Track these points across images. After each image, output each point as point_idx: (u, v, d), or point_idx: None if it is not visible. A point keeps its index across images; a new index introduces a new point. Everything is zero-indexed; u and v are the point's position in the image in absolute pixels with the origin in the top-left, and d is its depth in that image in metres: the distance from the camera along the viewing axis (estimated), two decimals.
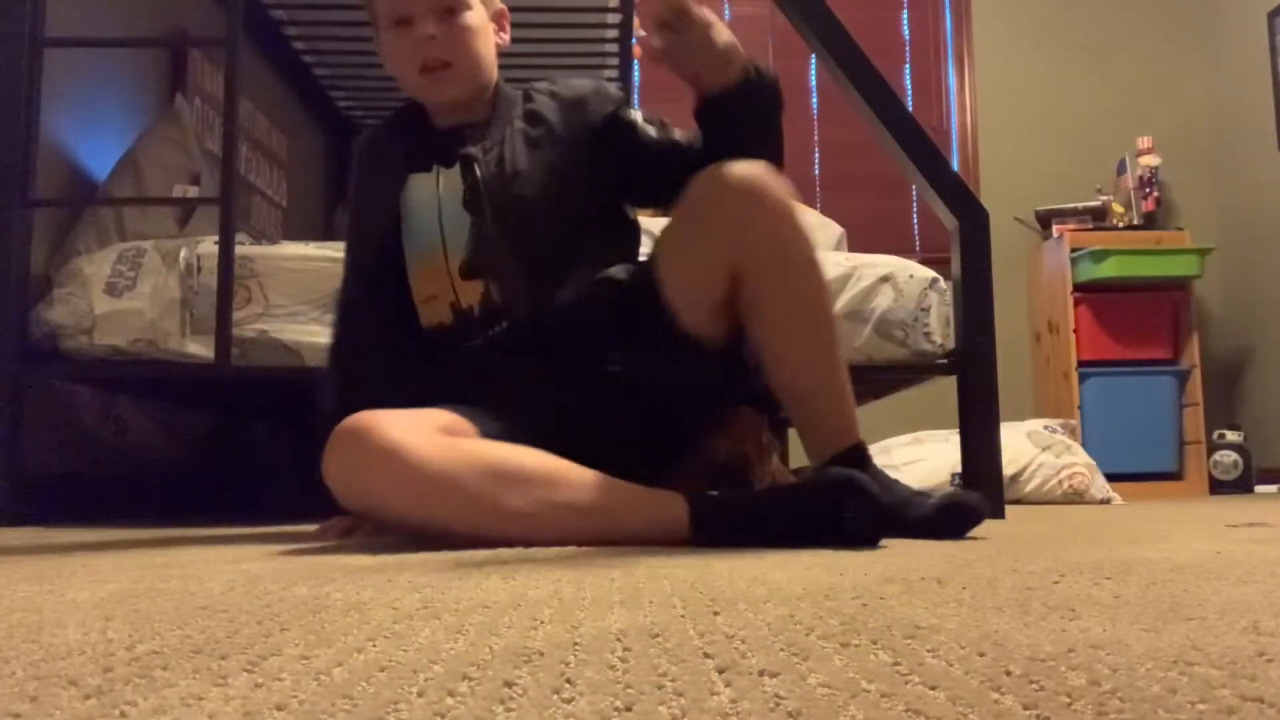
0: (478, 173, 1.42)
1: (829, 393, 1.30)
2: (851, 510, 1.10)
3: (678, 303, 1.31)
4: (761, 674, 0.44)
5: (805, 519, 1.13)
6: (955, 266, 2.10)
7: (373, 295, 1.51)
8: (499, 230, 1.40)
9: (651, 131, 1.46)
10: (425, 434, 1.15)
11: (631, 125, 1.46)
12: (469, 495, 1.12)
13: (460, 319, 1.43)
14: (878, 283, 2.13)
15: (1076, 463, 3.37)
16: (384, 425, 1.14)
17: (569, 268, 1.41)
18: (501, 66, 1.53)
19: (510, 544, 1.12)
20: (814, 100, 4.69)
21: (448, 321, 1.44)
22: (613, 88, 1.53)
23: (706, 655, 0.48)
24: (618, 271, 1.41)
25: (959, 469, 2.83)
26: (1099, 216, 4.32)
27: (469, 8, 1.43)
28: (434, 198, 1.44)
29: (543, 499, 1.14)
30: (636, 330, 1.36)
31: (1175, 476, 4.10)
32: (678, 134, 1.46)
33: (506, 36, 1.52)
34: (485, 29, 1.47)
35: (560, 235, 1.43)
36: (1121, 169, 4.43)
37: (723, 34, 1.28)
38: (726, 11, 4.66)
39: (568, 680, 0.43)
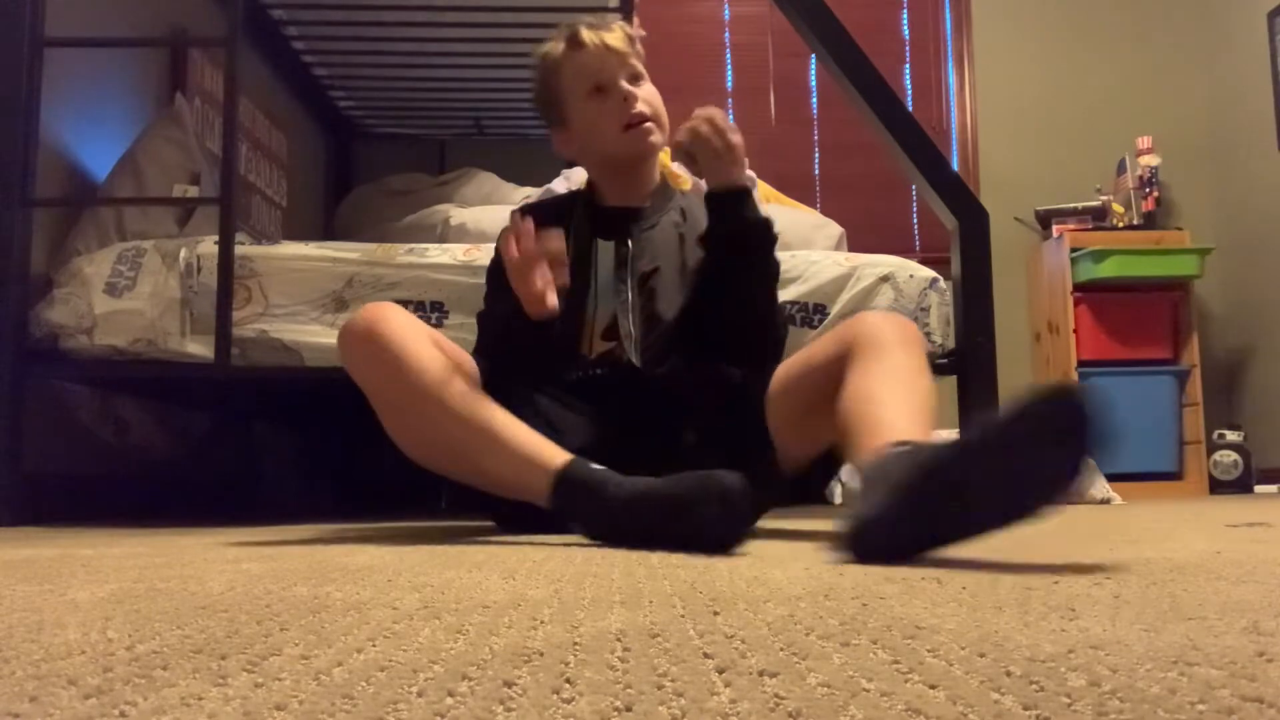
0: (630, 249, 1.60)
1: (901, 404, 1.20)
2: (708, 513, 1.08)
3: (776, 415, 1.45)
4: (761, 674, 0.44)
5: (661, 521, 1.12)
6: (955, 266, 2.10)
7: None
8: (639, 304, 1.58)
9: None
10: (424, 342, 1.34)
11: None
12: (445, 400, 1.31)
13: (580, 359, 1.58)
14: (878, 283, 2.13)
15: None
16: (390, 321, 1.33)
17: (690, 344, 1.56)
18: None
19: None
20: (814, 100, 4.69)
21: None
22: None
23: (706, 655, 0.48)
24: (734, 374, 1.55)
25: None
26: (1099, 216, 4.32)
27: (646, 79, 1.63)
28: (592, 267, 1.60)
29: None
30: (725, 421, 1.50)
31: (1175, 476, 4.09)
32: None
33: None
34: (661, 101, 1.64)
35: (682, 315, 1.58)
36: (1121, 169, 4.42)
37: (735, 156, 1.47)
38: (726, 11, 4.66)
39: (568, 680, 0.43)
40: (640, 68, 1.62)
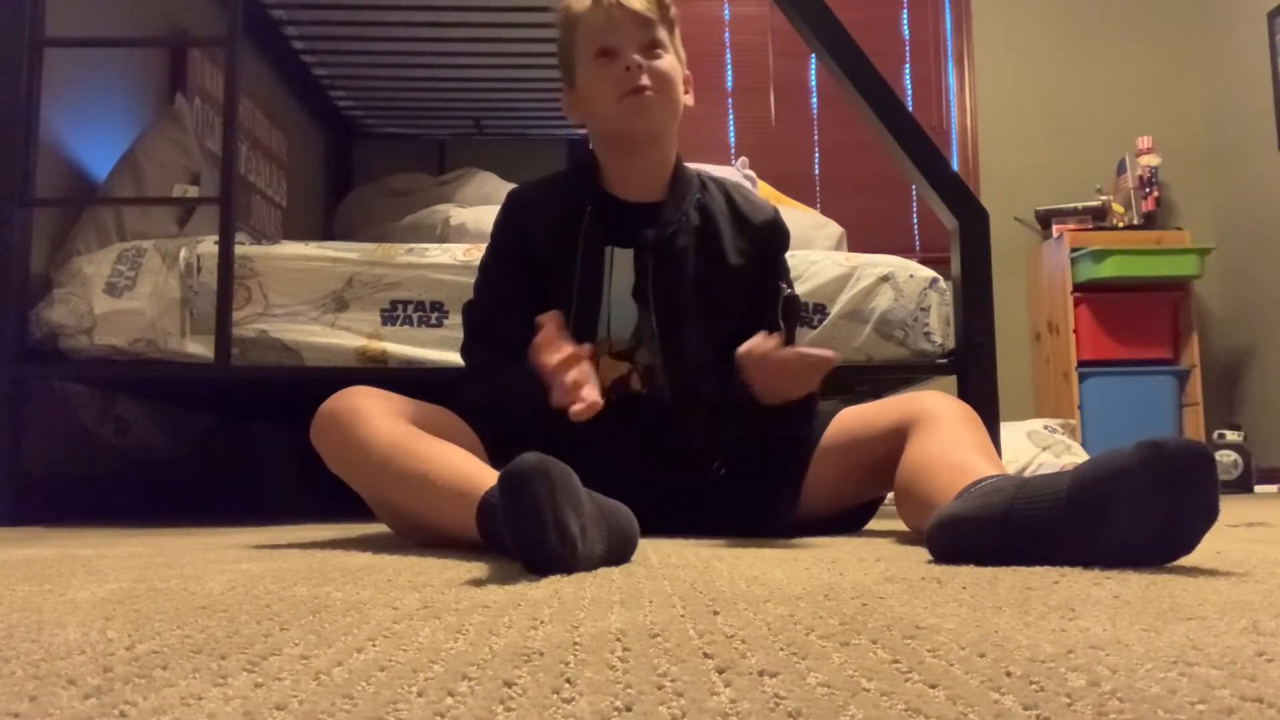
0: (649, 267, 1.45)
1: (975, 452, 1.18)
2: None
3: (822, 468, 1.40)
4: (761, 674, 0.44)
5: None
6: (955, 266, 2.10)
7: (511, 309, 1.47)
8: (658, 325, 1.45)
9: (779, 294, 1.53)
10: (373, 419, 1.23)
11: (775, 285, 1.53)
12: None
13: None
14: (878, 282, 2.13)
15: (1076, 462, 3.37)
16: (339, 406, 1.26)
17: (709, 369, 1.43)
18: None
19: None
20: (814, 100, 4.69)
21: None
22: (785, 224, 1.59)
23: (706, 655, 0.48)
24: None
25: None
26: (1099, 216, 4.32)
27: (668, 51, 1.46)
28: (605, 279, 1.46)
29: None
30: (751, 455, 1.43)
31: None
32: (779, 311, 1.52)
33: (691, 99, 1.52)
34: (679, 78, 1.49)
35: (705, 341, 1.48)
36: (1121, 169, 4.42)
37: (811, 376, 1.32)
38: (726, 11, 4.66)
39: (568, 680, 0.43)
40: (664, 37, 1.46)
